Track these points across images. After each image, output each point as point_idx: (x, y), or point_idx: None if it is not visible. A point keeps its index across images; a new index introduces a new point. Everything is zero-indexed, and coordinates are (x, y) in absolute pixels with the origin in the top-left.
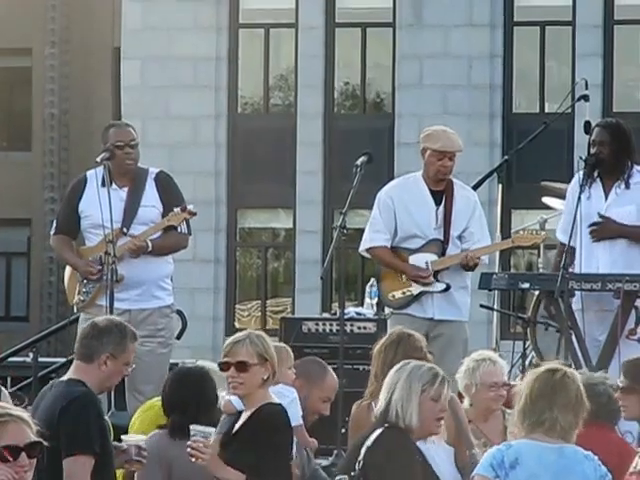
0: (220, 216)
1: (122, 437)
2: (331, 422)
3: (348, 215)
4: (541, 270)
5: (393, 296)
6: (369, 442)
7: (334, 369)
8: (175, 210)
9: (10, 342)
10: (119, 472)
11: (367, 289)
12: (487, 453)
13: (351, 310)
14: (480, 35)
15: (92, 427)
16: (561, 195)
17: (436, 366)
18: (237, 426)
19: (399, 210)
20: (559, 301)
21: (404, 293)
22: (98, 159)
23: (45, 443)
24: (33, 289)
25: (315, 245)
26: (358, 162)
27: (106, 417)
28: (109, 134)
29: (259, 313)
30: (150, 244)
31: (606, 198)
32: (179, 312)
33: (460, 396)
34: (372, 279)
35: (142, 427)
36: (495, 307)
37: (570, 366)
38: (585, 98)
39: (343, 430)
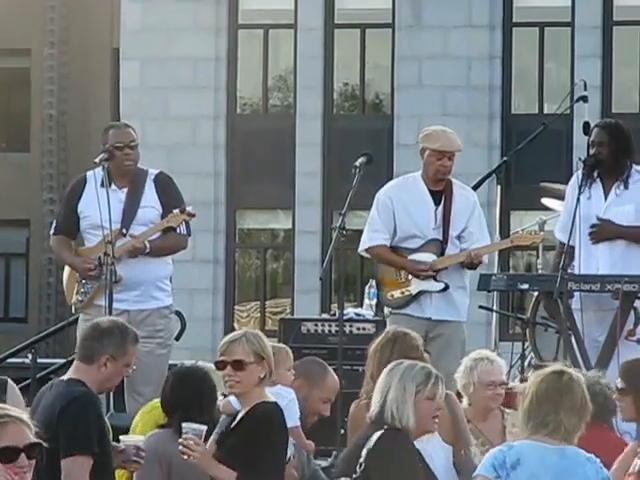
0: (219, 217)
1: (120, 438)
2: (330, 423)
3: (347, 216)
4: (540, 271)
5: (392, 296)
6: (370, 445)
7: (333, 370)
8: (174, 211)
9: (9, 343)
10: (122, 473)
11: (366, 290)
12: (489, 453)
13: (350, 311)
14: (479, 36)
15: (91, 427)
16: (560, 196)
17: (429, 365)
18: (232, 425)
19: (398, 210)
20: (558, 302)
21: (403, 293)
22: (97, 160)
23: (44, 444)
24: (32, 290)
25: (314, 246)
26: (357, 163)
27: (106, 419)
28: (109, 135)
29: (258, 314)
30: (148, 245)
31: (606, 198)
32: (178, 313)
33: (459, 395)
34: (371, 280)
35: (145, 429)
36: (494, 308)
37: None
38: (584, 99)
39: (342, 431)
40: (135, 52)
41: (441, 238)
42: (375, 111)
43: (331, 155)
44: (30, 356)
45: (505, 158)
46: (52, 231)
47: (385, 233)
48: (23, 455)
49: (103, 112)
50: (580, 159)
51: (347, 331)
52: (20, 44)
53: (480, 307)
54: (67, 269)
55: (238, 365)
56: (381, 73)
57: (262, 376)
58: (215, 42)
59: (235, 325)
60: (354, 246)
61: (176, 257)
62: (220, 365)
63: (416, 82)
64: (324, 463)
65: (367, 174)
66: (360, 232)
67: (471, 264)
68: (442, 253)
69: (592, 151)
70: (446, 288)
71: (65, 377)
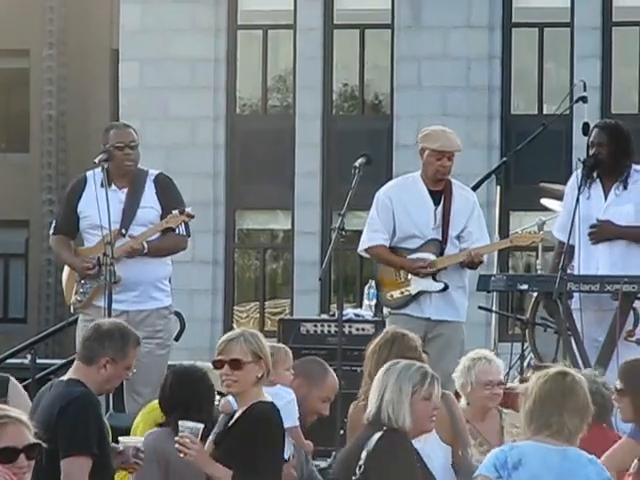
0: (218, 217)
1: (120, 439)
2: (329, 423)
3: (346, 216)
4: (539, 271)
5: (391, 296)
6: (370, 446)
7: (332, 370)
8: (173, 212)
9: (8, 344)
10: (124, 474)
11: (365, 290)
12: (490, 453)
13: (349, 311)
14: (479, 36)
15: (90, 428)
16: (560, 197)
17: (425, 365)
18: (229, 424)
19: (398, 210)
20: (557, 302)
21: (402, 293)
22: (96, 160)
23: (44, 445)
24: (31, 291)
25: (313, 246)
26: (357, 163)
27: (105, 419)
28: (109, 135)
29: (257, 314)
30: (146, 246)
31: (605, 198)
32: (177, 313)
33: (457, 395)
34: (370, 280)
35: (146, 429)
36: (493, 309)
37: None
38: (583, 99)
39: (342, 431)
40: (134, 53)
41: (440, 238)
42: (374, 111)
43: (330, 155)
44: (29, 357)
45: (504, 158)
46: (52, 231)
47: (384, 233)
48: (22, 456)
49: (102, 113)
50: (579, 159)
51: (346, 332)
52: (19, 45)
53: (479, 308)
54: (66, 269)
55: (235, 364)
56: (380, 73)
57: (259, 376)
58: (214, 43)
59: (234, 326)
60: (353, 247)
61: (175, 257)
62: (217, 364)
63: (415, 82)
64: (323, 464)
65: (366, 174)
66: (359, 232)
67: (471, 263)
68: (441, 253)
69: (592, 152)
70: (445, 288)
71: (65, 377)
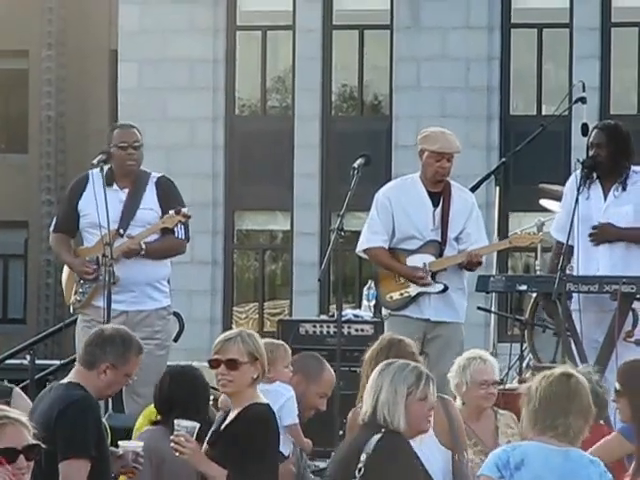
0: (217, 218)
1: (119, 443)
2: (328, 424)
3: (345, 217)
4: (538, 272)
5: (391, 297)
6: (369, 448)
7: None
8: (170, 212)
9: (7, 344)
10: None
11: (364, 291)
12: (492, 453)
13: (348, 312)
14: (478, 37)
15: (89, 431)
16: (558, 197)
17: (419, 365)
18: (224, 425)
19: (397, 211)
20: (557, 303)
21: (402, 294)
22: (94, 161)
23: (43, 446)
24: (30, 291)
25: (312, 247)
26: (355, 164)
27: (104, 420)
28: (113, 135)
29: (256, 315)
30: (144, 246)
31: (605, 199)
32: (176, 314)
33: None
34: (370, 281)
35: None
36: (492, 309)
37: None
38: (582, 100)
39: (341, 432)
40: (133, 54)
41: (439, 239)
42: (374, 112)
43: (329, 156)
44: (28, 357)
45: (504, 159)
46: (52, 228)
47: (384, 235)
48: (22, 456)
49: (101, 114)
50: (578, 160)
51: (345, 332)
52: (18, 46)
53: (479, 308)
54: (66, 269)
55: (232, 364)
56: (379, 74)
57: (255, 377)
58: (213, 43)
59: (233, 326)
60: (352, 247)
61: (174, 258)
62: (214, 363)
63: (414, 83)
64: (322, 464)
65: (365, 175)
66: (359, 233)
67: (470, 264)
68: (440, 254)
69: (591, 152)
70: (445, 289)
71: (65, 380)
